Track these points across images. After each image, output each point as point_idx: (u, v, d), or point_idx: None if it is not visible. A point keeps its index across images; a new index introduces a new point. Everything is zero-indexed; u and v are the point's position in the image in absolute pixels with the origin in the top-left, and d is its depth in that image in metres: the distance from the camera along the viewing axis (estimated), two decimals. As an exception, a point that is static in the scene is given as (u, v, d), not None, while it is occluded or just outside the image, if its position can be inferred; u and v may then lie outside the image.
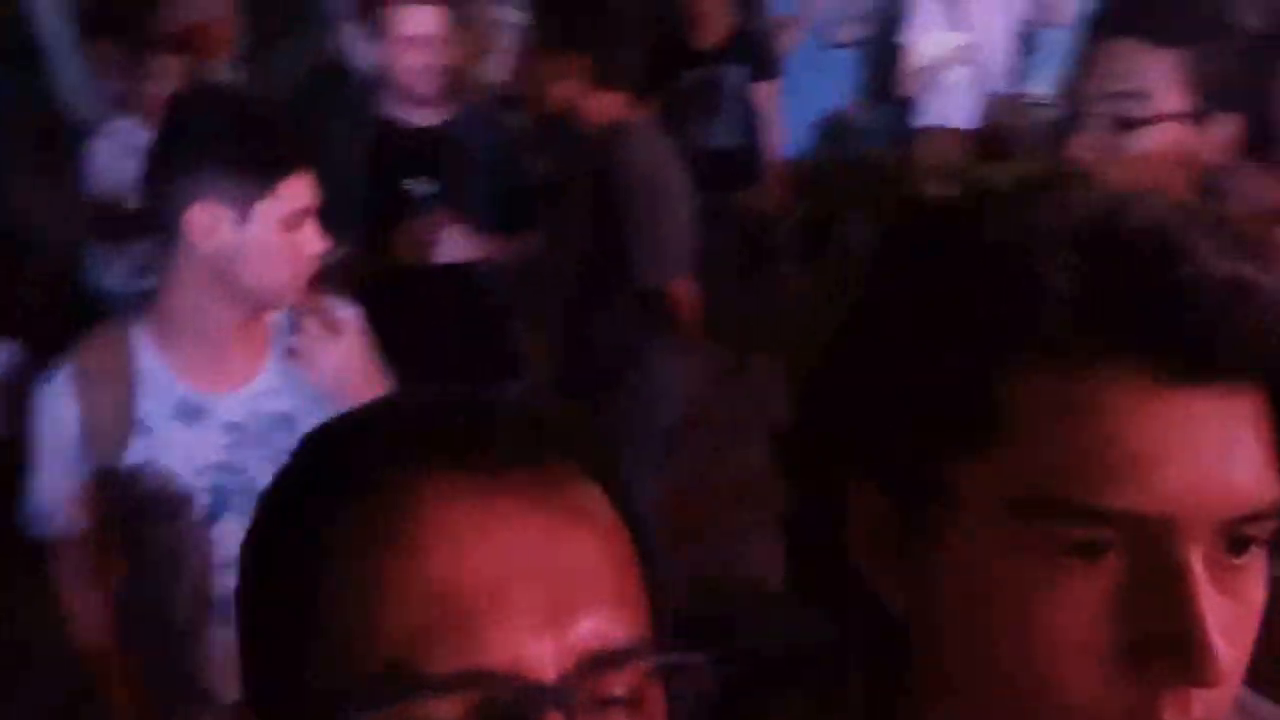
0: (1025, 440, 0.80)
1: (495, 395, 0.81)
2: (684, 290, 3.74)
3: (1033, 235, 0.82)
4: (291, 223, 2.19)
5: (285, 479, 0.80)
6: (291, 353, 2.32)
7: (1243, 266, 0.80)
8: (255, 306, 2.26)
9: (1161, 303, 0.79)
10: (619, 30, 3.80)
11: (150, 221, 2.30)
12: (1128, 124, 1.94)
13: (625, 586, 0.77)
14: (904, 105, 6.09)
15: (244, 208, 2.16)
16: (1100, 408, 0.79)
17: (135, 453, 2.23)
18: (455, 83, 3.95)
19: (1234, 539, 0.80)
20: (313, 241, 2.23)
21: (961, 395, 0.82)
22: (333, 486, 0.76)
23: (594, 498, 0.79)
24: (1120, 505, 0.78)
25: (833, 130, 6.39)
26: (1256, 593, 0.82)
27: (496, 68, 5.36)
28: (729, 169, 5.50)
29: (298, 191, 2.20)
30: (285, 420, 2.29)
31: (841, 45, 6.44)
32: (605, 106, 3.71)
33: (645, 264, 3.66)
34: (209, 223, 2.15)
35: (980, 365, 0.81)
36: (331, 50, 5.83)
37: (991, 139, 5.03)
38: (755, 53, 5.71)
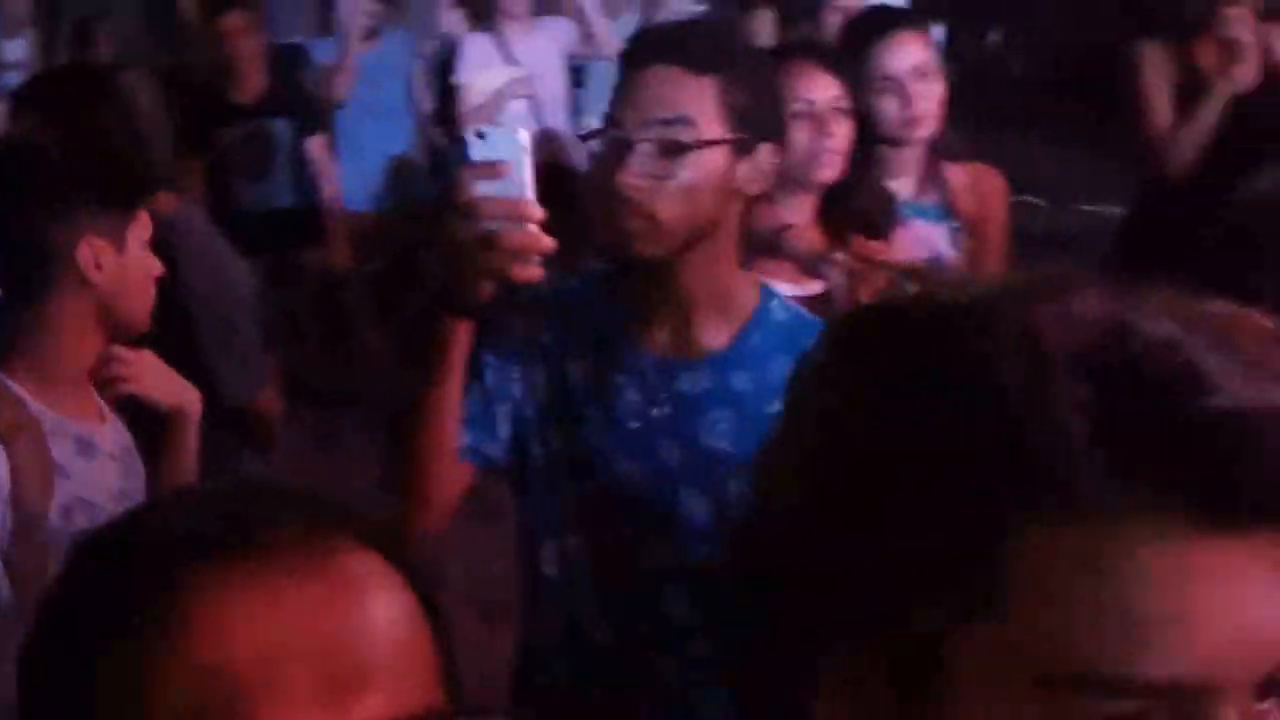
0: (1038, 606, 0.69)
1: (270, 480, 0.77)
2: (266, 405, 3.29)
3: (1034, 361, 0.70)
4: (147, 246, 2.26)
5: (61, 588, 0.78)
6: (116, 380, 2.34)
7: (1269, 391, 0.69)
8: (121, 335, 2.29)
9: (1190, 443, 0.68)
10: (138, 134, 3.05)
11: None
12: (672, 150, 1.93)
13: (413, 656, 0.74)
14: (465, 145, 6.01)
15: (119, 236, 2.21)
16: (1124, 566, 0.68)
17: (61, 495, 2.20)
18: None
19: (1265, 686, 0.70)
20: (156, 265, 2.27)
21: (959, 556, 0.70)
22: (106, 593, 0.74)
23: (376, 567, 0.76)
24: (1153, 675, 0.68)
25: (396, 177, 6.26)
26: None
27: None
28: (288, 228, 5.28)
29: (146, 215, 2.27)
30: (132, 447, 2.34)
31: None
32: None
33: (222, 384, 3.07)
34: (95, 256, 2.19)
35: (980, 521, 0.69)
36: None
37: (547, 173, 5.00)
38: (301, 106, 5.52)
